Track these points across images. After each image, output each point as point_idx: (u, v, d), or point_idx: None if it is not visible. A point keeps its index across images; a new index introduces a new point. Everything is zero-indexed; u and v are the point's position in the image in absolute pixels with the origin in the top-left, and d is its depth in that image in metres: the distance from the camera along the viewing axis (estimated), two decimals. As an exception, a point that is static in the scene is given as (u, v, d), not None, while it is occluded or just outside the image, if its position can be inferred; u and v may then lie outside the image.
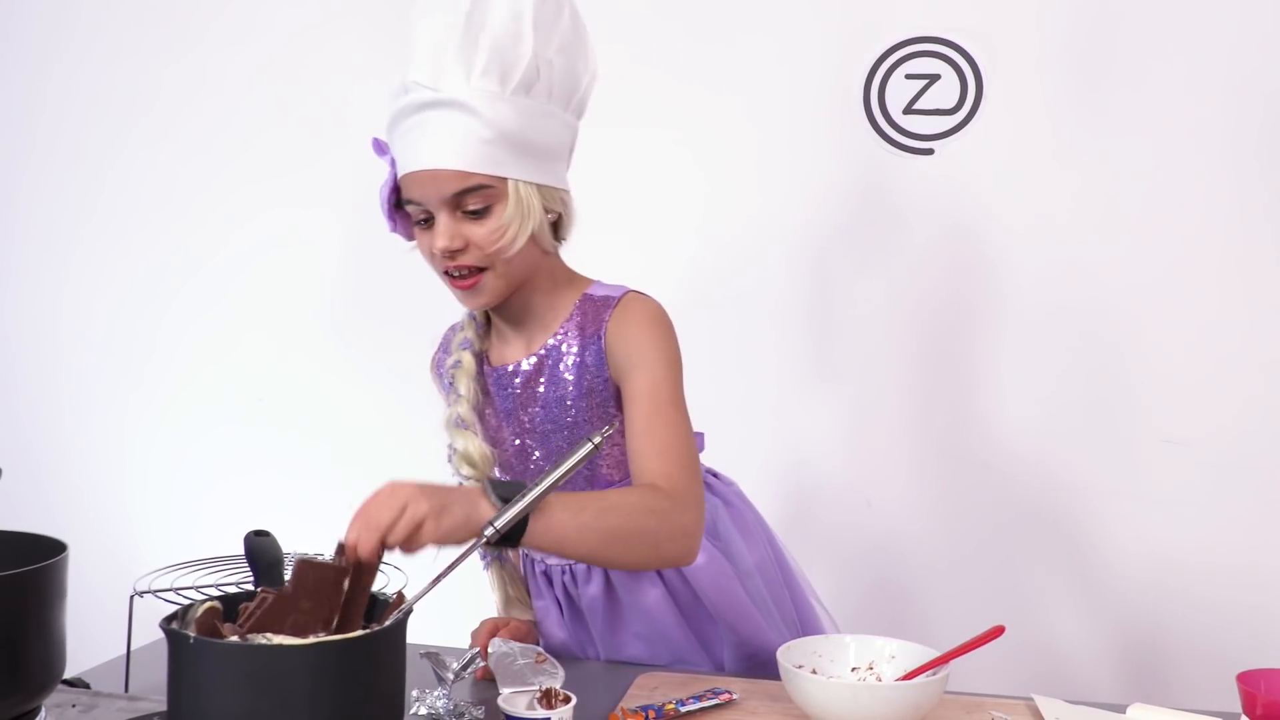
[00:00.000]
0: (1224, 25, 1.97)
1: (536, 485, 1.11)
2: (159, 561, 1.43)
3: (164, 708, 1.02)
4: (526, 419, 1.37)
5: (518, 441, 1.39)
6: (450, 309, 2.34)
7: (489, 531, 1.08)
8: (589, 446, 1.11)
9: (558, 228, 1.33)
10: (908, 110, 2.10)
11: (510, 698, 1.13)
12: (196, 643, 0.96)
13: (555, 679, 1.21)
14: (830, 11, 2.13)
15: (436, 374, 1.48)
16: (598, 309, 1.34)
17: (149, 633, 1.26)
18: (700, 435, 1.50)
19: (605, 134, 2.20)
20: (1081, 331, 2.07)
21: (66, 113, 2.55)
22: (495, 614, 1.51)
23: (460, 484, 1.34)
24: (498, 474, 1.41)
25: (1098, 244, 2.05)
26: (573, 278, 1.39)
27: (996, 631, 1.20)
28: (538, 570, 1.46)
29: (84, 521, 2.51)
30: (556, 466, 1.11)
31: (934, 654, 1.21)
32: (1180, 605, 2.04)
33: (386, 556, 1.09)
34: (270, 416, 2.46)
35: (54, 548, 1.06)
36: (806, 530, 2.14)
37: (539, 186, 1.27)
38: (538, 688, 1.15)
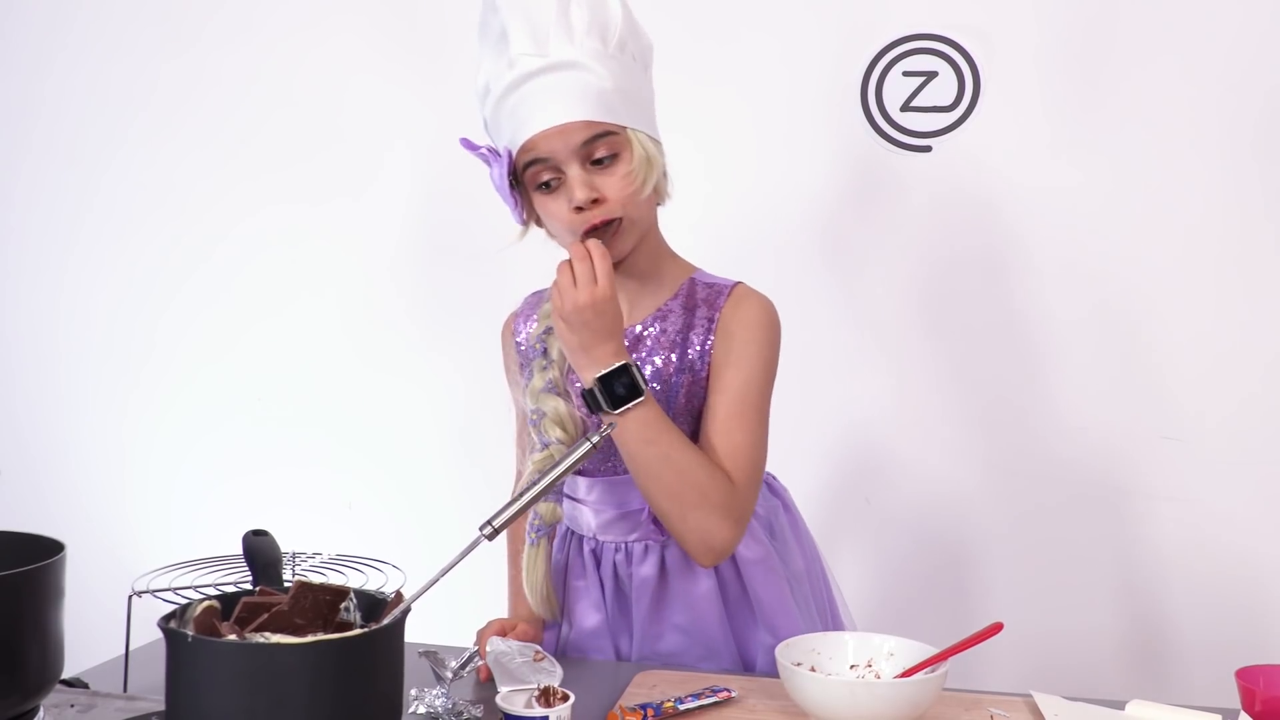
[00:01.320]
0: (1221, 21, 1.97)
1: (536, 483, 1.11)
2: (158, 561, 1.43)
3: (162, 707, 1.02)
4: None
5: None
6: (453, 307, 2.35)
7: (485, 530, 1.08)
8: (587, 446, 1.11)
9: (665, 180, 1.38)
10: (905, 107, 2.10)
11: (508, 696, 1.14)
12: (195, 642, 0.96)
13: (553, 677, 1.22)
14: (828, 9, 2.13)
15: (511, 336, 1.49)
16: (711, 295, 1.38)
17: (147, 632, 1.26)
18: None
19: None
20: (1080, 329, 2.07)
21: (63, 110, 2.55)
22: (497, 610, 1.50)
23: (546, 448, 1.36)
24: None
25: (1096, 241, 2.05)
26: (676, 258, 1.43)
27: (995, 628, 1.20)
28: (586, 549, 1.45)
29: (83, 521, 2.51)
30: (554, 465, 1.12)
31: (932, 651, 1.21)
32: (1179, 601, 2.04)
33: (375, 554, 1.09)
34: (269, 415, 2.46)
35: (52, 548, 1.06)
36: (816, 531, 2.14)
37: (650, 137, 1.33)
38: (536, 686, 1.15)
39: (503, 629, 1.42)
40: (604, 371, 1.24)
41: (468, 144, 1.36)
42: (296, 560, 1.38)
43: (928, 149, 2.11)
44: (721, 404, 1.32)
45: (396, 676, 1.04)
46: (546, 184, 1.31)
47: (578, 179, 1.29)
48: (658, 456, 1.25)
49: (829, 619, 1.53)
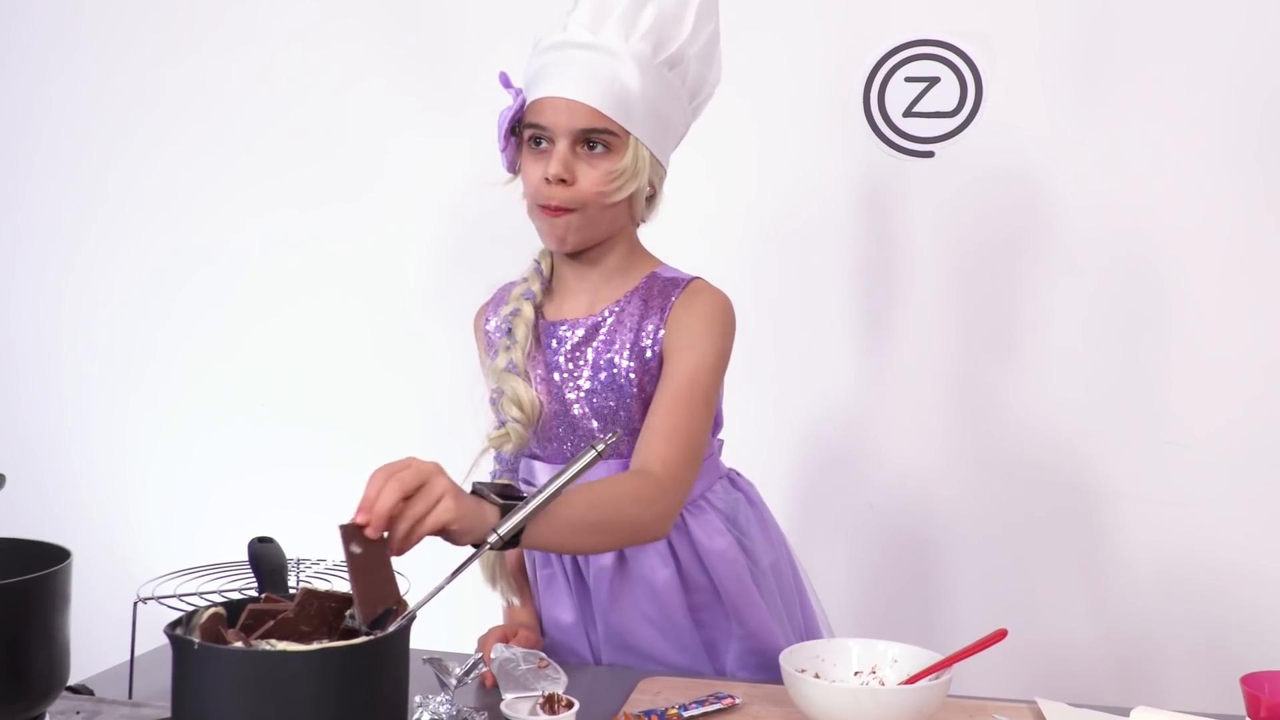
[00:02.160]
0: (1224, 25, 1.98)
1: (542, 490, 1.11)
2: (163, 567, 1.43)
3: (168, 714, 1.02)
4: (575, 376, 1.39)
5: (563, 394, 1.40)
6: (458, 310, 2.35)
7: (493, 539, 1.08)
8: (592, 454, 1.11)
9: (650, 202, 1.40)
10: (908, 113, 2.11)
11: (513, 703, 1.14)
12: (201, 649, 0.96)
13: (558, 684, 1.22)
14: (830, 15, 2.13)
15: (481, 324, 1.51)
16: (666, 287, 1.39)
17: (153, 638, 1.27)
18: (719, 442, 1.50)
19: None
20: (1083, 333, 2.07)
21: (69, 115, 2.55)
22: (501, 621, 1.51)
23: (503, 426, 1.37)
24: (531, 432, 1.42)
25: (1099, 245, 2.05)
26: (644, 255, 1.45)
27: (999, 635, 1.20)
28: None
29: (87, 526, 2.51)
30: (561, 473, 1.11)
31: (937, 658, 1.21)
32: (1184, 608, 2.04)
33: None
34: (273, 420, 2.47)
35: (58, 555, 1.06)
36: (806, 531, 2.14)
37: (652, 155, 1.34)
38: (540, 693, 1.15)
39: (504, 636, 1.42)
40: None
41: (504, 79, 1.38)
42: (301, 566, 1.38)
43: (930, 154, 2.11)
44: (669, 387, 1.33)
45: (401, 683, 1.04)
46: (536, 141, 1.34)
47: (560, 155, 1.31)
48: (585, 508, 1.18)
49: (799, 614, 1.52)
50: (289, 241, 2.43)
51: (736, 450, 1.58)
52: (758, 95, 2.17)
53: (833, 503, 2.20)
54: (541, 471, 1.43)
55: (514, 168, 1.39)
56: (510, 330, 1.41)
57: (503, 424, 1.38)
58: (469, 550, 1.09)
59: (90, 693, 1.26)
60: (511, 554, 1.50)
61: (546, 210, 1.33)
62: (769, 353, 2.21)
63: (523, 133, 1.35)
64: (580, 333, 1.40)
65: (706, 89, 1.40)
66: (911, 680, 1.20)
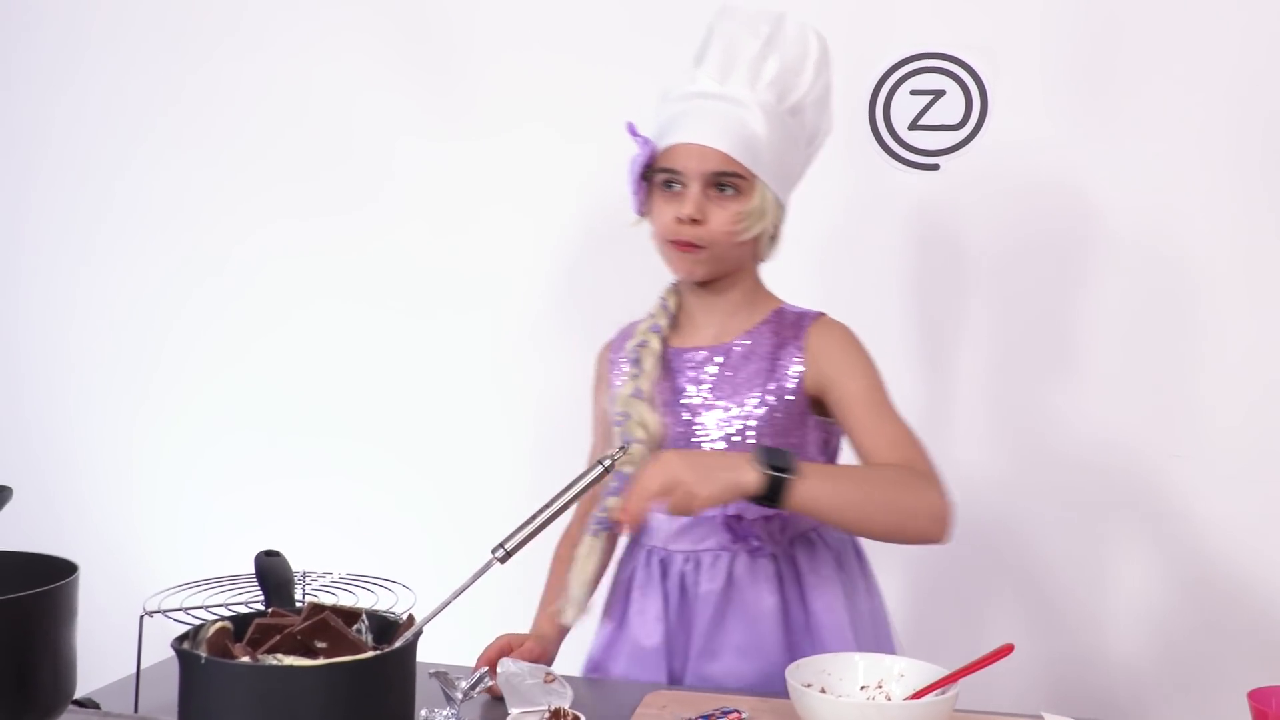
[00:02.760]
0: (1227, 38, 1.98)
1: (550, 504, 1.12)
2: (169, 580, 1.43)
3: (174, 728, 1.03)
4: (699, 402, 1.45)
5: (685, 417, 1.45)
6: (465, 321, 2.36)
7: (498, 553, 1.08)
8: (599, 469, 1.12)
9: (770, 241, 1.48)
10: (913, 126, 2.11)
11: (519, 717, 1.14)
12: (208, 663, 0.97)
13: (564, 699, 1.22)
14: (835, 27, 2.11)
15: (609, 358, 1.57)
16: (795, 320, 1.47)
17: (159, 652, 1.27)
18: None
19: (612, 148, 2.23)
20: (1087, 346, 2.07)
21: (77, 126, 2.56)
22: (509, 630, 1.50)
23: (625, 448, 1.38)
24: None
25: (1102, 258, 2.05)
26: (766, 292, 1.53)
27: (1006, 650, 1.20)
28: (654, 560, 1.48)
29: (94, 540, 2.51)
30: (569, 487, 1.12)
31: (943, 672, 1.21)
32: (1191, 621, 2.03)
33: None
34: (279, 431, 2.47)
35: (65, 569, 1.06)
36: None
37: (775, 197, 1.43)
38: (546, 708, 1.15)
39: (509, 645, 1.42)
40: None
41: (632, 129, 1.47)
42: (308, 580, 1.38)
43: (936, 167, 2.11)
44: (859, 411, 1.40)
45: (408, 697, 1.04)
46: (669, 184, 1.43)
47: (693, 197, 1.40)
48: (851, 481, 1.31)
49: None
50: (295, 251, 2.44)
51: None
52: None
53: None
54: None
55: (643, 210, 1.48)
56: (638, 360, 1.47)
57: (625, 445, 1.38)
58: (473, 567, 1.09)
59: (96, 706, 1.26)
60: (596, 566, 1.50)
61: (678, 246, 1.42)
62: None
63: (653, 177, 1.44)
64: (709, 359, 1.47)
65: (821, 136, 1.49)
66: (918, 695, 1.19)
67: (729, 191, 1.40)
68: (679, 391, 1.47)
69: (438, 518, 2.34)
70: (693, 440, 1.45)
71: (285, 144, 2.43)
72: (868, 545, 1.56)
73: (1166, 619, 2.04)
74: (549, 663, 1.45)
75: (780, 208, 1.45)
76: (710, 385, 1.45)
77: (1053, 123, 2.06)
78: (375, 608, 1.16)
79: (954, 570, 2.14)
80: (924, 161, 2.11)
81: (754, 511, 1.41)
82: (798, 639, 1.45)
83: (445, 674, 1.25)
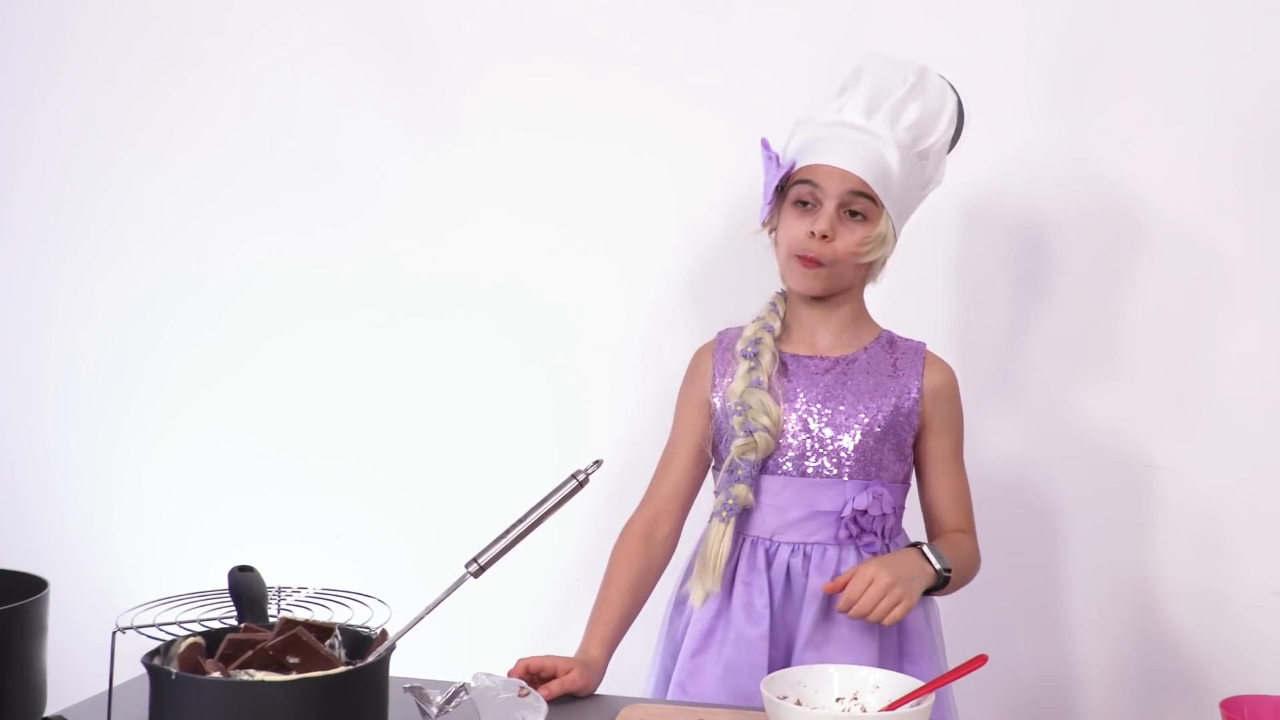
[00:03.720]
0: (1203, 53, 1.99)
1: (523, 519, 1.12)
2: (146, 596, 1.43)
3: (146, 745, 1.02)
4: (817, 403, 1.55)
5: (800, 419, 1.55)
6: (445, 338, 2.35)
7: (471, 568, 1.08)
8: (573, 484, 1.12)
9: (881, 268, 1.61)
10: (890, 138, 2.11)
11: (493, 732, 1.13)
12: (178, 678, 0.96)
13: (538, 714, 1.21)
14: (814, 40, 2.15)
15: (713, 358, 1.65)
16: (910, 351, 1.61)
17: (132, 669, 1.26)
18: None
19: (592, 154, 2.24)
20: (1064, 355, 2.08)
21: (58, 141, 2.55)
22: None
23: (750, 436, 1.53)
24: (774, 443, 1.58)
25: (1080, 269, 2.06)
26: (869, 315, 1.64)
27: (979, 661, 1.21)
28: (759, 549, 1.54)
29: (68, 554, 2.49)
30: (542, 502, 1.13)
31: (918, 684, 1.21)
32: (1163, 631, 2.04)
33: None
34: (260, 448, 2.45)
35: (35, 585, 1.06)
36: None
37: (894, 230, 1.55)
38: (521, 721, 1.15)
39: (554, 669, 1.40)
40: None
41: (766, 144, 1.59)
42: (282, 595, 1.37)
43: (913, 180, 2.12)
44: (946, 464, 1.61)
45: (381, 713, 1.04)
46: (804, 202, 1.53)
47: (827, 215, 1.50)
48: (960, 559, 1.55)
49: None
50: (278, 267, 2.43)
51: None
52: (743, 120, 2.18)
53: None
54: (775, 485, 1.55)
55: (768, 222, 1.60)
56: (756, 355, 1.57)
57: (750, 434, 1.52)
58: (447, 581, 1.09)
59: (68, 723, 1.25)
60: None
61: (804, 261, 1.52)
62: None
63: (787, 192, 1.55)
64: (828, 369, 1.58)
65: (934, 184, 1.61)
66: (893, 706, 1.20)
67: (858, 216, 1.51)
68: (797, 393, 1.56)
69: (419, 533, 2.34)
70: (800, 442, 1.55)
71: (269, 157, 2.42)
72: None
73: (1140, 629, 2.05)
74: (591, 693, 1.44)
75: (893, 242, 1.56)
76: (831, 391, 1.56)
77: (1030, 135, 2.07)
78: (349, 623, 1.15)
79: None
80: (901, 174, 2.12)
81: (877, 508, 1.53)
82: (888, 639, 1.52)
83: (420, 689, 1.25)
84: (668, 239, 2.23)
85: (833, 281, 1.55)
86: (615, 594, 1.55)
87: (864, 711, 1.22)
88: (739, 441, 1.53)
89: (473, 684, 1.26)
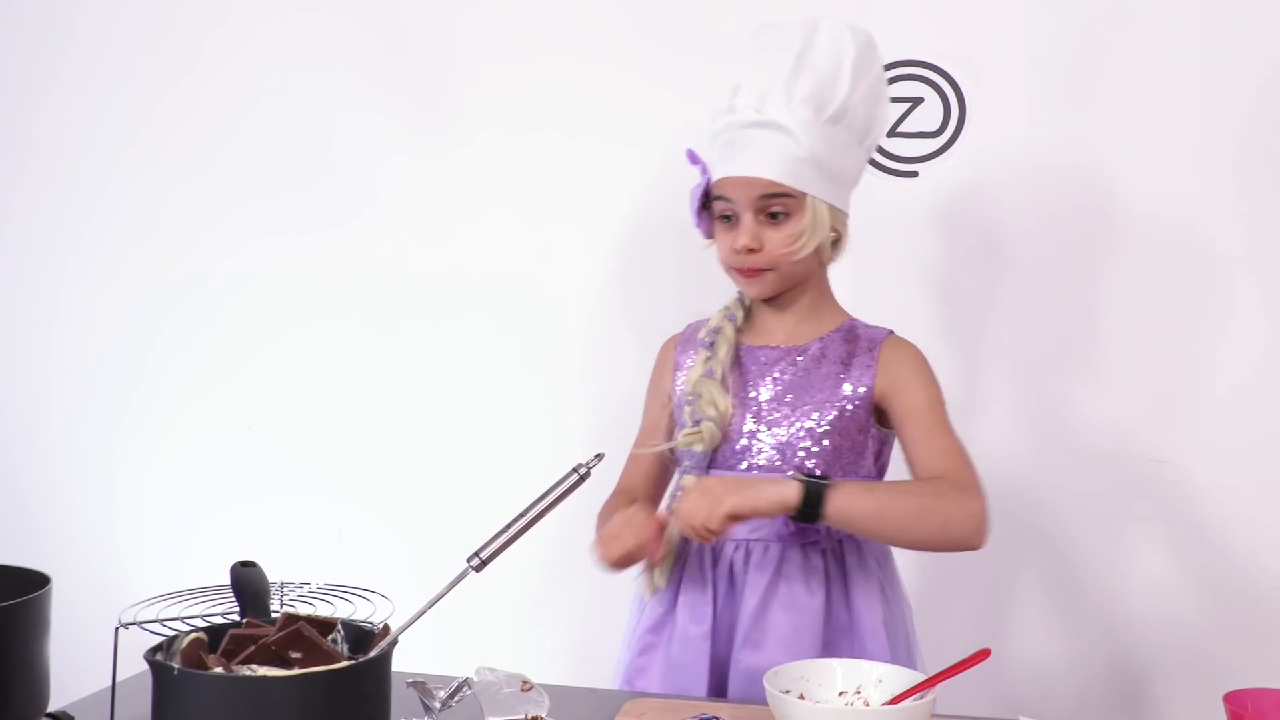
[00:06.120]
0: (1204, 49, 1.99)
1: (525, 513, 1.12)
2: (148, 592, 1.42)
3: (149, 740, 1.02)
4: (765, 400, 1.50)
5: (752, 411, 1.50)
6: (445, 336, 2.35)
7: (473, 562, 1.08)
8: (574, 477, 1.12)
9: (836, 245, 1.52)
10: (892, 133, 2.11)
11: (496, 726, 1.13)
12: (181, 674, 0.96)
13: (541, 707, 1.21)
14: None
15: (676, 348, 1.61)
16: (869, 334, 1.53)
17: (135, 664, 1.26)
18: None
19: (591, 152, 2.24)
20: (1065, 352, 2.08)
21: (55, 141, 2.55)
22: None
23: (697, 426, 1.48)
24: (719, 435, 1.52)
25: (1082, 265, 2.06)
26: (834, 302, 1.58)
27: (983, 654, 1.21)
28: (705, 547, 1.50)
29: (71, 552, 2.49)
30: (543, 496, 1.12)
31: (921, 677, 1.21)
32: (1167, 625, 2.04)
33: None
34: (260, 444, 2.46)
35: (37, 581, 1.06)
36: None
37: (830, 206, 1.46)
38: (523, 716, 1.15)
39: (661, 521, 1.44)
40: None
41: (692, 156, 1.53)
42: (285, 590, 1.37)
43: (914, 174, 2.12)
44: (918, 423, 1.47)
45: (384, 707, 1.04)
46: (726, 217, 1.49)
47: (746, 226, 1.45)
48: (887, 493, 1.41)
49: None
50: (278, 266, 2.43)
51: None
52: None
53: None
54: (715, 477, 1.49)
55: (710, 234, 1.53)
56: (713, 344, 1.53)
57: (697, 423, 1.48)
58: (448, 576, 1.09)
59: (71, 719, 1.25)
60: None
61: (742, 273, 1.49)
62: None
63: (712, 206, 1.50)
64: (781, 359, 1.52)
65: (877, 127, 1.51)
66: (896, 700, 1.20)
67: (780, 215, 1.45)
68: (748, 386, 1.52)
69: (420, 530, 2.34)
70: (753, 435, 1.49)
71: (268, 158, 2.42)
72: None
73: (1143, 623, 2.05)
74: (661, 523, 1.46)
75: (839, 213, 1.49)
76: (780, 385, 1.50)
77: (1030, 130, 2.07)
78: (352, 618, 1.15)
79: (933, 576, 2.14)
80: (903, 168, 2.12)
81: None
82: (837, 636, 1.48)
83: (423, 684, 1.25)
84: (667, 237, 2.23)
85: (782, 281, 1.50)
86: (606, 519, 1.55)
87: (867, 706, 1.22)
88: (686, 432, 1.50)
89: (475, 678, 1.26)
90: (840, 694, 1.24)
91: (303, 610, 1.17)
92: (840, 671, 1.26)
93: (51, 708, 1.13)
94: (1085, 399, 2.07)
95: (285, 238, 2.42)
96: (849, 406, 1.48)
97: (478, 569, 1.09)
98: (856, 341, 1.52)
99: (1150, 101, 2.01)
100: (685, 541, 1.51)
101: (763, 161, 1.43)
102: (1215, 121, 1.99)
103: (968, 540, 1.39)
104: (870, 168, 2.10)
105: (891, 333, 1.54)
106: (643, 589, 1.53)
